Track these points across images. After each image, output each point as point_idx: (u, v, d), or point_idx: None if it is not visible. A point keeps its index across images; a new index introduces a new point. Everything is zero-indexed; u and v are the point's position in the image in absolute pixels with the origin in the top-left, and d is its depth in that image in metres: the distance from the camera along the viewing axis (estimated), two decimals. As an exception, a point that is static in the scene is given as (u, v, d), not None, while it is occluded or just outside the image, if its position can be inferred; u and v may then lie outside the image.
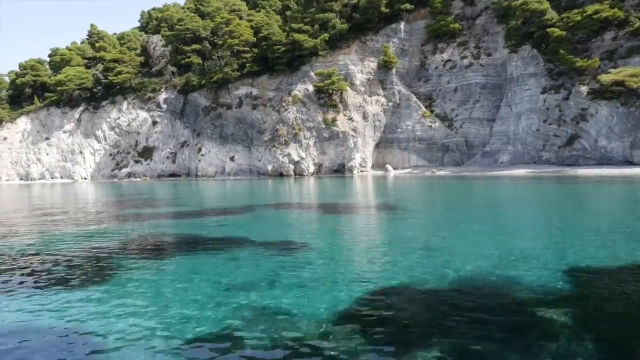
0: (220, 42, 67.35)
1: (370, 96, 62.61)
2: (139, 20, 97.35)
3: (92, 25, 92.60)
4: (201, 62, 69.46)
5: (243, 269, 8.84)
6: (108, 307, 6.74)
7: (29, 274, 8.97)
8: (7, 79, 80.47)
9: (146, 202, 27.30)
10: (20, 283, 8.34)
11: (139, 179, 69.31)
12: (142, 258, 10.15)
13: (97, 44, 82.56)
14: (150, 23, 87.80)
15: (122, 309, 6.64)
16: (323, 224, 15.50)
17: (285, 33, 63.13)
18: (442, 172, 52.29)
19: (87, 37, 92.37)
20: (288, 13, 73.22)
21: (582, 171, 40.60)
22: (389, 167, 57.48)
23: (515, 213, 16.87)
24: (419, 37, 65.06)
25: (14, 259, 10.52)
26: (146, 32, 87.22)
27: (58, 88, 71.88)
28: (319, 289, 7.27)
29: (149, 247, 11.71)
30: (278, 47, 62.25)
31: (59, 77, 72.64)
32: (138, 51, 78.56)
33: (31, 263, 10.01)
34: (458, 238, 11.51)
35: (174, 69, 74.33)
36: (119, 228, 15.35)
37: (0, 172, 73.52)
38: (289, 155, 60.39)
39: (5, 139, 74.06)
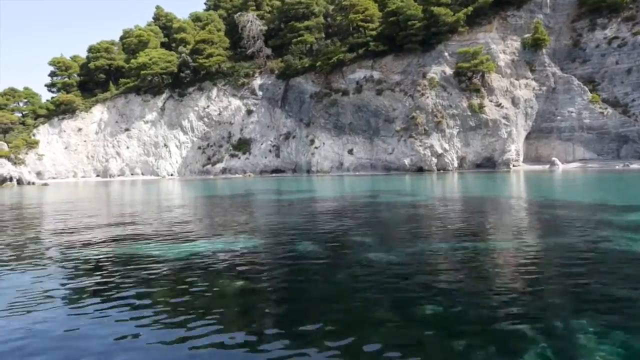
0: (339, 18, 58.82)
1: (517, 79, 54.34)
2: (206, 3, 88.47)
3: (158, 7, 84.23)
4: (315, 40, 60.96)
5: None
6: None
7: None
8: (75, 64, 71.56)
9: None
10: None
11: (238, 175, 60.80)
12: None
13: (174, 25, 73.95)
14: (226, 2, 78.69)
15: None
16: None
17: (420, 6, 54.64)
18: (635, 166, 44.07)
19: (152, 19, 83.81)
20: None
21: None
22: (556, 160, 49.14)
23: None
24: (565, 12, 56.96)
25: None
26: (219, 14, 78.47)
27: (142, 72, 63.19)
28: None
29: None
30: (413, 22, 53.79)
31: (141, 59, 63.99)
32: (222, 33, 69.90)
33: None
34: None
35: (268, 51, 65.87)
36: None
37: (76, 167, 64.80)
38: (431, 147, 52.06)
39: (79, 130, 65.34)
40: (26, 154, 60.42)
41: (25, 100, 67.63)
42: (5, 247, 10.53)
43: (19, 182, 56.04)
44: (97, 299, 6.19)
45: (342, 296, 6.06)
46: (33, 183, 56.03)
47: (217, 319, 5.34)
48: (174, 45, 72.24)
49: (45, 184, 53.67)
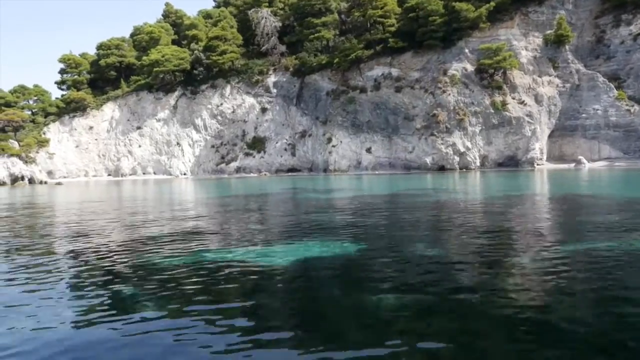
0: (357, 14, 57.68)
1: (539, 76, 53.28)
2: (215, 0, 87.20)
3: (167, 4, 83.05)
4: (332, 37, 59.91)
5: None
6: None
7: None
8: (85, 61, 70.25)
9: None
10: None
11: (253, 175, 59.67)
12: None
13: (185, 22, 72.83)
14: None
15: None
16: None
17: (441, 2, 53.53)
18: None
19: (162, 16, 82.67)
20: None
21: None
22: (582, 159, 48.11)
23: None
24: (588, 8, 55.90)
25: None
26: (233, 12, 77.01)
27: (154, 69, 61.98)
28: None
29: None
30: (433, 18, 52.69)
31: (153, 56, 62.79)
32: (234, 29, 68.63)
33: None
34: None
35: (283, 47, 64.73)
36: None
37: (87, 166, 63.63)
38: (453, 145, 50.99)
39: (90, 128, 64.16)
40: (37, 152, 59.22)
41: (35, 98, 66.39)
42: (87, 255, 9.44)
43: (31, 181, 54.89)
44: (206, 321, 5.09)
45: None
46: (45, 182, 54.84)
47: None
48: (184, 42, 71.13)
49: (59, 183, 52.49)
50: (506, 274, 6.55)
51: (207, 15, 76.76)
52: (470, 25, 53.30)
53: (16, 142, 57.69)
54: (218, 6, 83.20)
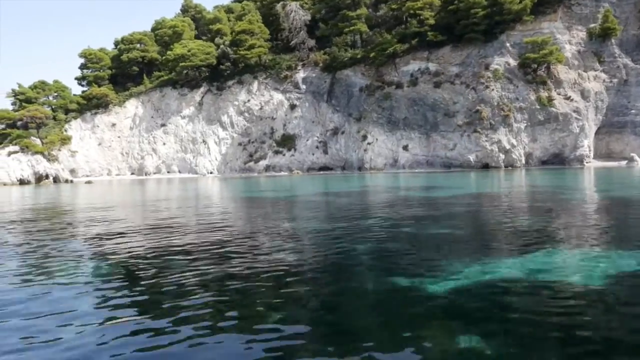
0: (394, 7, 55.73)
1: (585, 71, 51.47)
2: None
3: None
4: (367, 30, 57.94)
5: None
6: None
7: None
8: (106, 56, 67.92)
9: None
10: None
11: (284, 173, 57.56)
12: None
13: (207, 16, 70.67)
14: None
15: None
16: None
17: (484, -7, 51.58)
18: None
19: (181, 11, 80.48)
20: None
21: None
22: (635, 156, 46.28)
23: None
24: (632, 1, 54.07)
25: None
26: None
27: (180, 64, 59.81)
28: None
29: None
30: (475, 10, 50.78)
31: (178, 50, 60.61)
32: (261, 24, 66.51)
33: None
34: None
35: (312, 42, 62.69)
36: None
37: (110, 164, 61.38)
38: (498, 142, 49.09)
39: (113, 125, 61.92)
40: (59, 150, 56.98)
41: (55, 94, 64.15)
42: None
43: (55, 179, 52.66)
44: None
45: None
46: (71, 181, 52.62)
47: None
48: (204, 38, 68.91)
49: (89, 182, 50.25)
50: None
51: (228, 10, 74.62)
52: (513, 18, 51.49)
53: (38, 140, 55.47)
54: (239, 0, 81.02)
